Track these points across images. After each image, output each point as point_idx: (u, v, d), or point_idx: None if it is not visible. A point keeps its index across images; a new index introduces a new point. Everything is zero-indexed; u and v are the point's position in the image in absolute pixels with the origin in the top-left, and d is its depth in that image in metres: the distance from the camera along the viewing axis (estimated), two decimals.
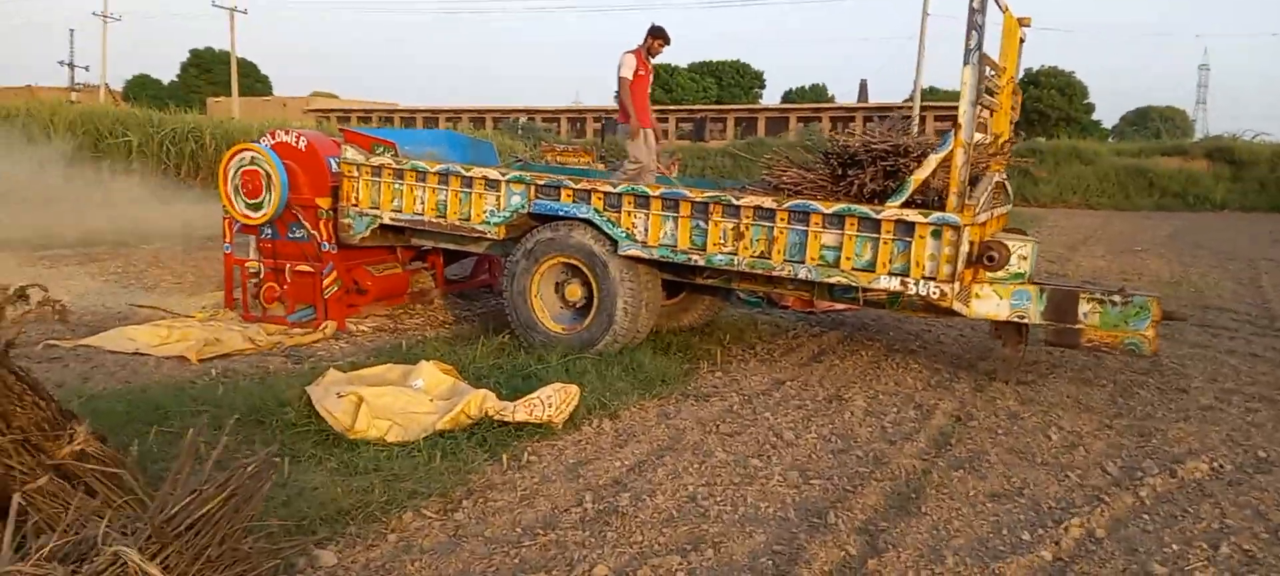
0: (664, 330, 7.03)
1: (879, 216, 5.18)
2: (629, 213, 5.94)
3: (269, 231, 7.33)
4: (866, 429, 4.92)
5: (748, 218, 5.54)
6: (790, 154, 6.01)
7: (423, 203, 6.62)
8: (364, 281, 7.33)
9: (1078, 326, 5.28)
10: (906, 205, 5.18)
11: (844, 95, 57.59)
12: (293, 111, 49.01)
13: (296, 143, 7.30)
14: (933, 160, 5.10)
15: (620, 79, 7.44)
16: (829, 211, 5.29)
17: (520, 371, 5.59)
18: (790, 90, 68.53)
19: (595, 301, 6.12)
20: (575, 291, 6.28)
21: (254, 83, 63.08)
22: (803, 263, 5.43)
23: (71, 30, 66.59)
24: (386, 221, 6.73)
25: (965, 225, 5.03)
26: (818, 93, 66.14)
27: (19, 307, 3.43)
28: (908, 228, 5.14)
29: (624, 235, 5.94)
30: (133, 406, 4.61)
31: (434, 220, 6.57)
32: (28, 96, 30.56)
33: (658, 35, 7.57)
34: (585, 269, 6.13)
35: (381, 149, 7.30)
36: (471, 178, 6.43)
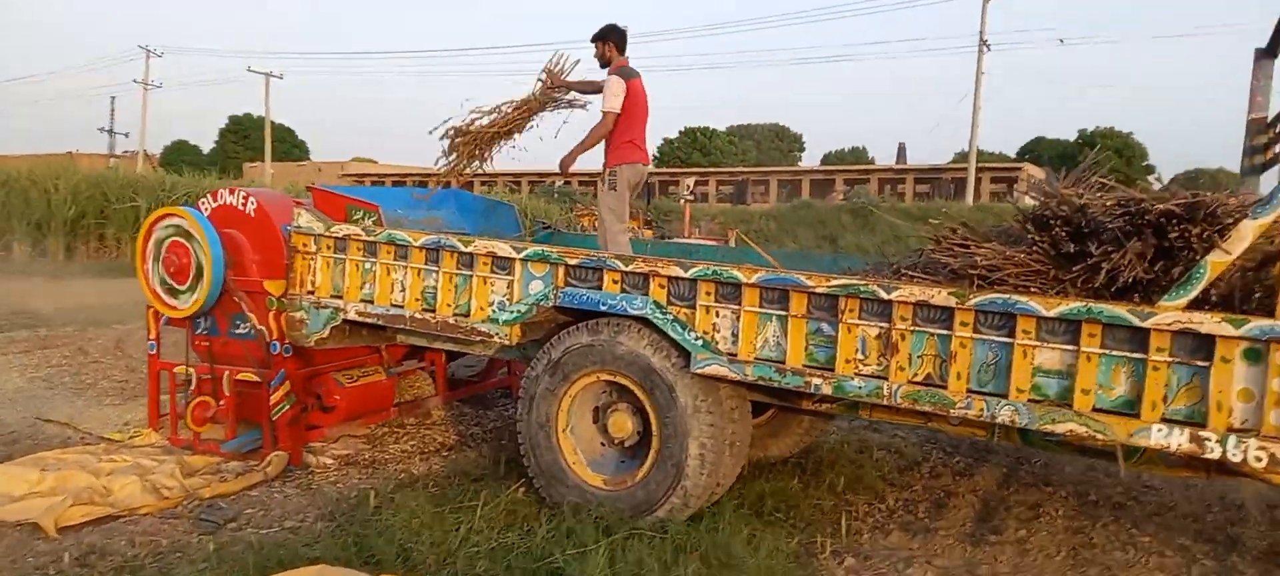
0: (746, 465, 4.90)
1: (1146, 323, 3.05)
2: (708, 308, 3.86)
3: (205, 325, 5.38)
4: None
5: (905, 320, 3.43)
6: (969, 220, 3.83)
7: (403, 290, 4.60)
8: (330, 394, 5.28)
9: None
10: (1196, 305, 3.05)
11: (882, 159, 55.59)
12: (328, 176, 48.12)
13: (243, 205, 5.36)
14: (1248, 229, 2.97)
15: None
16: (1051, 314, 3.17)
17: (539, 566, 3.48)
18: (830, 153, 66.95)
19: (655, 441, 4.02)
20: (623, 423, 4.18)
21: (291, 148, 62.79)
22: (1003, 397, 3.29)
23: (112, 98, 66.18)
24: (352, 316, 4.72)
25: None
26: (857, 155, 64.50)
27: None
28: (1202, 344, 2.99)
29: (700, 342, 3.85)
30: None
31: (419, 316, 4.53)
32: (68, 163, 29.73)
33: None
34: (639, 391, 4.04)
35: (362, 214, 5.36)
36: (472, 254, 4.42)
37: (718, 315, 3.86)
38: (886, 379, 3.49)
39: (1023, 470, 5.36)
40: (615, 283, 4.10)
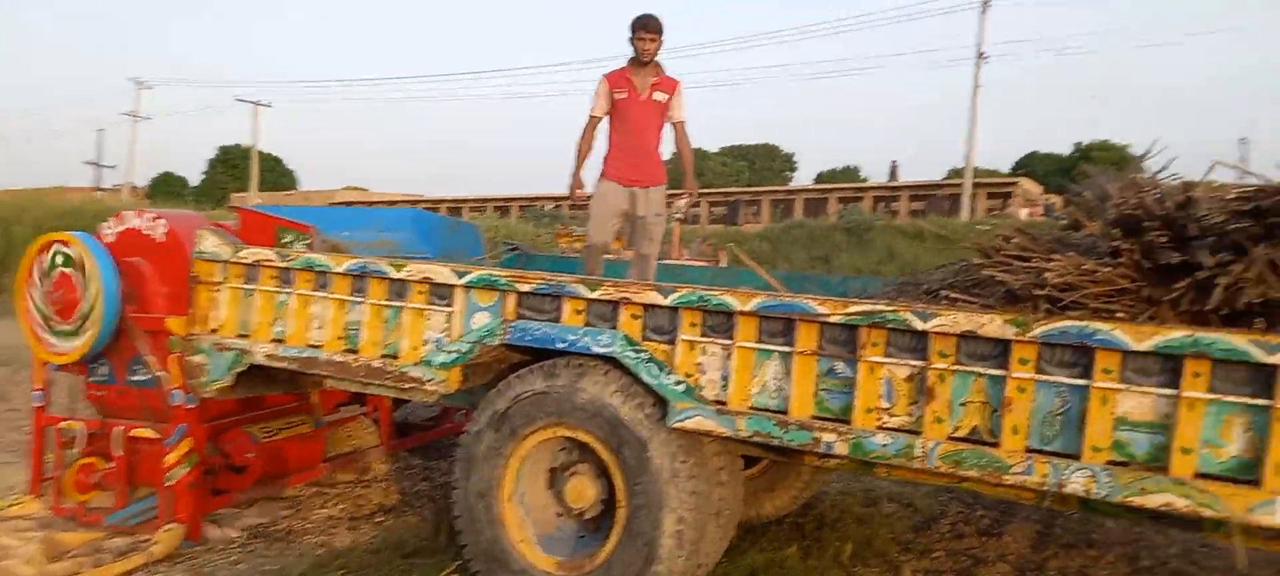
0: (735, 531, 4.07)
1: (1274, 358, 2.26)
2: (692, 344, 3.06)
3: (103, 371, 4.55)
4: None
5: (946, 357, 2.63)
6: (1031, 229, 3.01)
7: (322, 327, 3.78)
8: (241, 452, 4.45)
9: None
10: None
11: (876, 177, 54.88)
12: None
13: (151, 229, 4.56)
14: None
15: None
16: (1144, 347, 2.38)
17: None
18: (823, 172, 66.47)
19: (621, 511, 3.20)
20: (583, 490, 3.36)
21: (279, 177, 61.87)
22: (1074, 458, 2.49)
23: (99, 130, 65.63)
24: (261, 360, 3.88)
25: None
26: (850, 174, 63.98)
27: None
28: None
29: (680, 388, 3.04)
30: None
31: (339, 359, 3.71)
32: (42, 196, 29.12)
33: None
34: (604, 450, 3.23)
35: (293, 237, 4.54)
36: (405, 281, 3.60)
37: (704, 353, 3.05)
38: (919, 434, 2.68)
39: (1057, 527, 4.56)
40: (578, 313, 3.29)
